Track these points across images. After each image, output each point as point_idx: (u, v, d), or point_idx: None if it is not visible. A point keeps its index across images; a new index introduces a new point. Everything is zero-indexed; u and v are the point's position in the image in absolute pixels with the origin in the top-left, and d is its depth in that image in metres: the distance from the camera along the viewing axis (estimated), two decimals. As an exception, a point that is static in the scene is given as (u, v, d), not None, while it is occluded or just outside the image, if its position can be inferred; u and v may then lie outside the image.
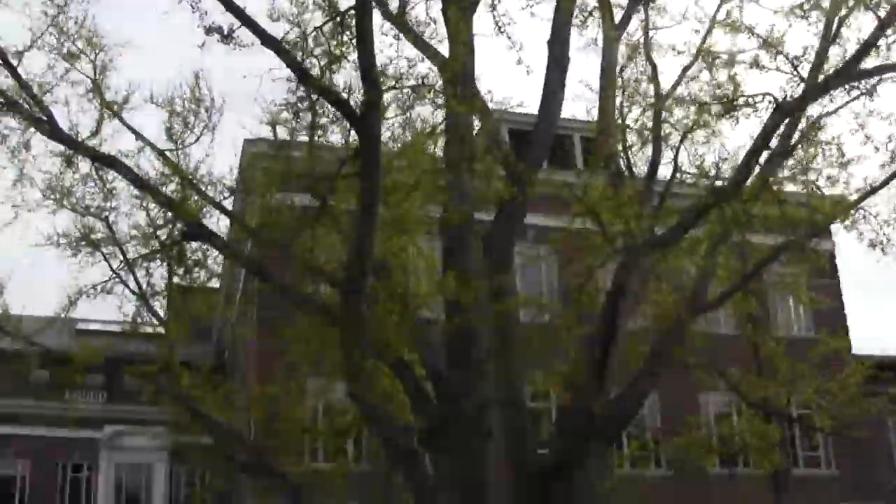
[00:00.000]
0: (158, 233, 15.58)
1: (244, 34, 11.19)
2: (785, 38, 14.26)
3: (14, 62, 13.63)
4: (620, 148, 16.02)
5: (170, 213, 14.66)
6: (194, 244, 15.21)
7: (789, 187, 15.06)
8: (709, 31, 15.90)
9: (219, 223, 15.33)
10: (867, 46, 13.13)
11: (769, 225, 14.42)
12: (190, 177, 14.60)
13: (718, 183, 14.29)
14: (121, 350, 17.67)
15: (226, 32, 10.82)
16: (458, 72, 12.84)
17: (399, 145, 13.71)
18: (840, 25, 13.90)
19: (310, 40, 11.74)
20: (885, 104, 14.28)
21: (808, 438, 31.78)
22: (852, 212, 13.83)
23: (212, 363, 18.92)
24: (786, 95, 13.40)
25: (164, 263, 16.18)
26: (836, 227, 15.12)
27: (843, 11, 13.80)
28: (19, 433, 43.73)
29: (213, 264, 16.10)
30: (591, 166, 13.58)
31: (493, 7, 14.47)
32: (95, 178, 15.03)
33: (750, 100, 14.22)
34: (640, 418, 15.62)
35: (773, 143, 13.62)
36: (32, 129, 13.94)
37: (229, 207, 15.35)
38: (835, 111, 14.19)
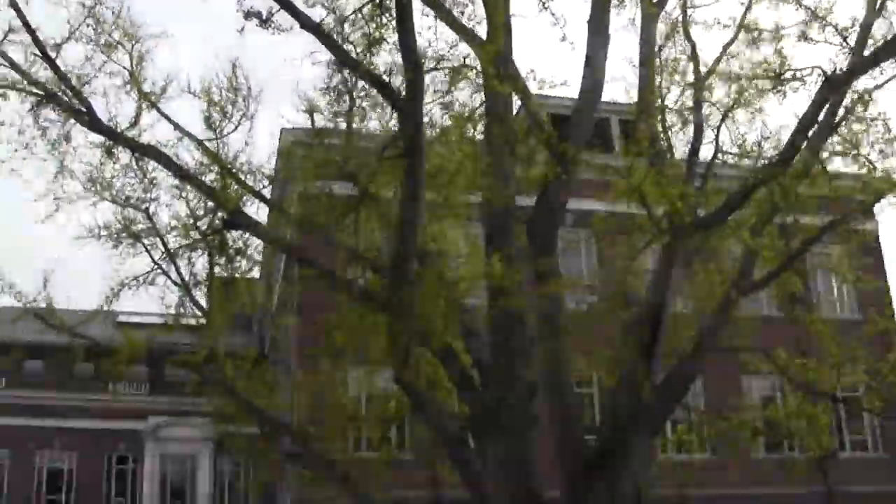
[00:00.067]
0: (199, 223, 15.57)
1: (282, 18, 11.10)
2: (833, 9, 13.98)
3: (52, 54, 13.65)
4: (660, 129, 15.81)
5: (210, 203, 14.64)
6: (235, 233, 15.18)
7: (836, 164, 14.81)
8: (749, 7, 15.63)
9: (258, 212, 15.33)
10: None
11: (816, 203, 14.16)
12: (229, 166, 14.57)
13: (762, 162, 14.06)
14: (163, 342, 17.61)
15: (264, 17, 10.73)
16: (498, 51, 12.67)
17: (438, 130, 13.60)
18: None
19: (347, 25, 11.62)
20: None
21: (854, 422, 31.41)
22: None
23: (256, 352, 18.83)
24: (835, 68, 13.12)
25: (206, 253, 16.18)
26: (879, 207, 14.83)
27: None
28: (65, 426, 44.25)
29: (254, 253, 16.09)
30: (632, 147, 13.33)
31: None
32: (135, 169, 15.05)
33: (798, 73, 13.95)
34: (684, 402, 15.38)
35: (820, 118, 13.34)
36: (72, 121, 13.97)
37: (268, 196, 15.33)
38: (884, 84, 13.91)
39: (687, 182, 14.21)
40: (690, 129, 16.21)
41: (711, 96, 16.60)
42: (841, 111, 14.04)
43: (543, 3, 13.53)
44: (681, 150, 16.38)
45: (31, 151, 14.06)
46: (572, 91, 14.72)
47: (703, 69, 16.36)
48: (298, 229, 14.94)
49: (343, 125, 14.20)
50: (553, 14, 13.57)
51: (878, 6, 13.72)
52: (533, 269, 13.14)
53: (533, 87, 13.82)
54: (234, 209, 13.86)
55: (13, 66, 13.73)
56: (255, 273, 19.57)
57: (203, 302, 17.18)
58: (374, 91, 12.76)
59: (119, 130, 14.07)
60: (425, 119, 12.25)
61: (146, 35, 14.63)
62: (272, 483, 30.63)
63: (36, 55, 13.65)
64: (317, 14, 11.51)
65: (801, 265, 18.04)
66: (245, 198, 14.61)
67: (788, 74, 14.32)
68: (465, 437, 13.32)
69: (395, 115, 13.27)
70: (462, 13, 13.29)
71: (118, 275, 15.78)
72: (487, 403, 13.07)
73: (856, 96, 13.87)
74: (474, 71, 12.82)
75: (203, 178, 14.38)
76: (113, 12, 14.11)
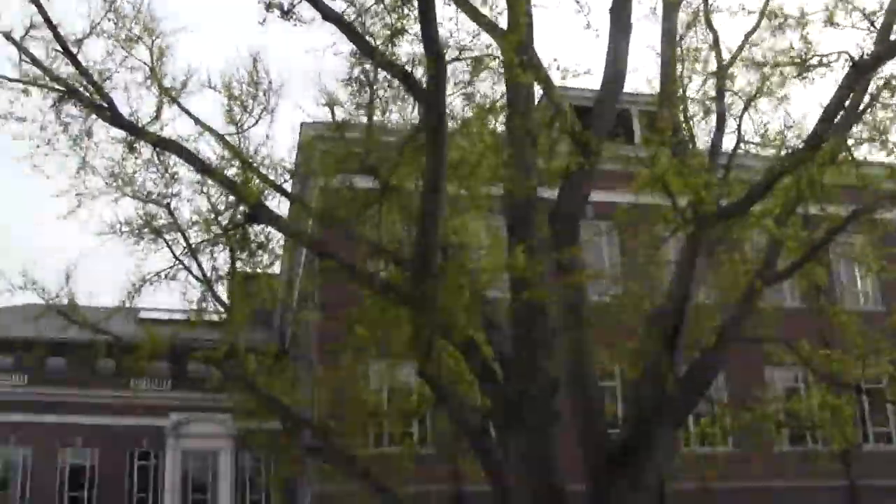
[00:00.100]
0: (220, 218, 15.56)
1: (304, 9, 11.04)
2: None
3: (74, 50, 13.66)
4: (682, 119, 15.72)
5: (231, 197, 14.64)
6: (257, 227, 15.17)
7: (862, 152, 14.66)
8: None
9: (279, 206, 15.31)
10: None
11: (840, 192, 14.02)
12: (250, 160, 14.55)
13: (786, 151, 13.94)
14: (184, 338, 17.65)
15: (286, 7, 10.67)
16: (520, 41, 12.60)
17: (460, 122, 13.54)
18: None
19: (368, 16, 11.56)
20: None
21: (878, 413, 31.19)
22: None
23: (277, 348, 18.83)
24: (862, 53, 12.97)
25: (227, 248, 16.18)
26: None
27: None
28: (87, 423, 44.45)
29: (276, 247, 16.08)
30: (654, 137, 13.23)
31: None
32: (157, 164, 15.04)
33: (824, 59, 13.82)
34: (707, 395, 15.29)
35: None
36: (94, 117, 13.97)
37: (289, 190, 15.30)
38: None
39: (710, 172, 14.12)
40: (712, 118, 16.14)
41: (733, 85, 16.54)
42: (867, 98, 13.89)
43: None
44: (702, 140, 16.31)
45: (53, 147, 14.08)
46: (594, 82, 14.66)
47: (725, 58, 16.28)
48: (319, 223, 14.90)
49: (363, 118, 14.17)
50: (577, 1, 13.51)
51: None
52: (555, 260, 13.05)
53: (555, 78, 13.77)
54: (256, 203, 13.84)
55: (35, 62, 13.75)
56: (276, 268, 19.58)
57: (224, 297, 17.21)
58: (396, 83, 12.72)
59: (140, 125, 14.06)
60: (446, 110, 12.17)
61: (166, 30, 14.63)
62: (293, 478, 30.65)
63: (57, 51, 13.66)
64: (337, 6, 11.46)
65: (824, 255, 17.90)
66: (266, 192, 14.59)
67: (814, 60, 14.18)
68: (488, 429, 13.26)
69: (416, 106, 13.26)
70: (484, 1, 13.24)
71: (140, 270, 15.82)
72: (509, 396, 13.01)
73: (882, 82, 13.72)
74: (496, 61, 12.75)
75: (224, 172, 14.35)
76: (134, 6, 14.11)
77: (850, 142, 13.90)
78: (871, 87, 13.92)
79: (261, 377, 16.24)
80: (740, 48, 16.28)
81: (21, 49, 13.71)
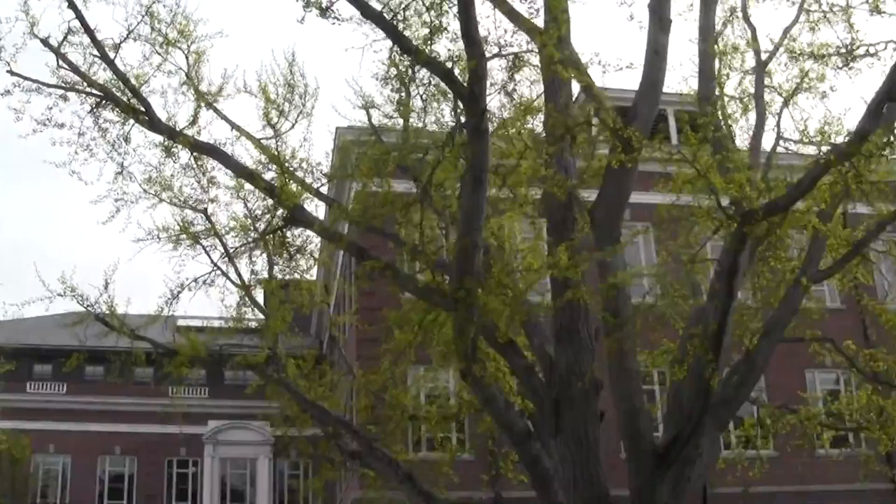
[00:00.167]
0: (257, 223, 15.55)
1: (342, 8, 10.98)
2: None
3: (111, 55, 13.68)
4: (720, 116, 15.52)
5: (269, 201, 14.60)
6: (294, 231, 15.15)
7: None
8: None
9: (316, 210, 15.28)
10: None
11: (883, 188, 13.76)
12: (287, 164, 14.52)
13: (826, 147, 13.72)
14: (222, 344, 17.67)
15: (324, 5, 10.59)
16: (560, 36, 12.48)
17: (497, 123, 13.44)
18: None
19: (408, 13, 11.48)
20: None
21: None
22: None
23: (316, 352, 18.83)
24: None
25: (265, 253, 16.17)
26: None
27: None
28: (126, 430, 44.72)
29: (314, 251, 16.05)
30: (694, 135, 13.03)
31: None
32: (195, 168, 15.03)
33: (870, 48, 13.58)
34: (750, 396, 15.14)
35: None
36: (131, 121, 13.98)
37: (326, 193, 15.26)
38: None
39: (752, 169, 13.92)
40: (750, 116, 15.95)
41: (772, 81, 16.34)
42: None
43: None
44: (741, 138, 16.13)
45: (91, 153, 14.11)
46: (631, 83, 14.53)
47: (763, 54, 16.10)
48: (356, 226, 14.84)
49: (399, 121, 14.12)
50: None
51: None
52: (597, 259, 12.91)
53: (594, 75, 13.62)
54: (295, 206, 13.79)
55: (72, 68, 13.79)
56: (314, 273, 19.56)
57: (261, 303, 17.20)
58: (433, 83, 12.65)
59: (178, 130, 14.06)
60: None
61: (202, 35, 14.62)
62: (332, 484, 30.64)
63: (95, 56, 13.70)
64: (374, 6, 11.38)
65: (867, 253, 17.63)
66: (303, 196, 14.56)
67: (860, 51, 13.94)
68: (532, 433, 13.13)
69: (454, 108, 13.18)
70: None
71: (178, 276, 15.83)
72: (552, 399, 12.88)
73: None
74: (535, 54, 12.63)
75: (262, 176, 14.33)
76: (170, 10, 14.11)
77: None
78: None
79: (301, 382, 16.22)
80: (779, 43, 16.09)
81: (59, 55, 13.78)
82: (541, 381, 13.23)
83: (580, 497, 12.60)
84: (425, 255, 13.46)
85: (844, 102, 15.60)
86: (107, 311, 16.56)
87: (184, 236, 15.94)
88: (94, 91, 13.88)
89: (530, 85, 13.86)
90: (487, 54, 11.37)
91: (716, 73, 15.59)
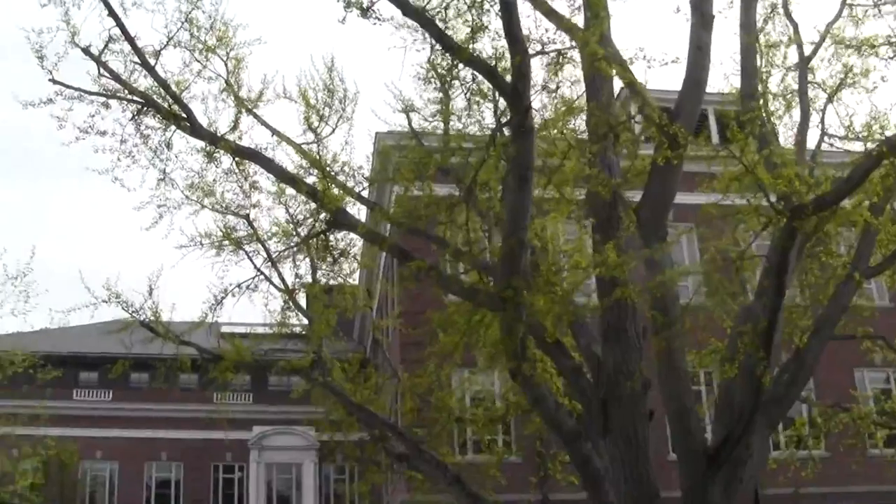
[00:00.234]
0: (299, 228, 15.55)
1: (383, 7, 10.93)
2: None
3: (152, 61, 13.70)
4: (763, 114, 15.32)
5: (312, 205, 14.59)
6: (337, 235, 15.15)
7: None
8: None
9: (358, 213, 15.26)
10: None
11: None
12: (328, 168, 14.50)
13: (872, 142, 13.52)
14: (266, 349, 17.72)
15: (365, 5, 10.52)
16: (602, 32, 12.35)
17: (539, 123, 13.32)
18: None
19: (448, 13, 11.40)
20: None
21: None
22: None
23: (361, 356, 18.82)
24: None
25: (308, 258, 16.18)
26: None
27: None
28: (172, 437, 44.98)
29: (357, 254, 16.03)
30: (740, 132, 12.84)
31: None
32: (236, 173, 15.04)
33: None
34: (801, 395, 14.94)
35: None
36: (173, 127, 13.99)
37: (366, 197, 15.22)
38: None
39: (799, 165, 13.72)
40: (793, 113, 15.75)
41: (815, 77, 16.13)
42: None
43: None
44: (784, 135, 15.92)
45: (134, 160, 14.13)
46: (673, 83, 14.36)
47: (806, 47, 15.90)
48: (399, 228, 14.79)
49: (438, 124, 14.07)
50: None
51: None
52: (644, 258, 12.76)
53: (637, 75, 13.47)
54: (337, 209, 13.76)
55: (113, 75, 13.84)
56: (356, 277, 19.54)
57: (305, 307, 17.20)
58: (476, 81, 12.57)
59: (219, 135, 14.06)
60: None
61: (241, 41, 14.62)
62: (378, 488, 30.62)
63: (135, 63, 13.74)
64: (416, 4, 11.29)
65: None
66: (345, 200, 14.52)
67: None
68: (582, 433, 13.00)
69: (495, 108, 13.09)
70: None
71: (221, 282, 15.86)
72: (600, 398, 12.75)
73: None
74: (579, 53, 12.50)
75: (304, 180, 14.31)
76: (209, 16, 14.11)
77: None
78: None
79: (347, 385, 16.21)
80: (822, 38, 15.87)
81: (100, 63, 13.83)
82: (588, 381, 13.12)
83: (630, 497, 12.48)
84: (469, 256, 13.37)
85: (891, 97, 15.32)
86: (152, 318, 16.63)
87: (226, 242, 15.98)
88: (136, 98, 13.92)
89: (570, 85, 13.74)
90: (530, 51, 11.23)
91: (758, 70, 15.40)
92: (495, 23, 11.00)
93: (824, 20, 15.91)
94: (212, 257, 15.97)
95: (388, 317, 29.73)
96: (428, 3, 11.29)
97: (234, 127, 14.42)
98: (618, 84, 14.35)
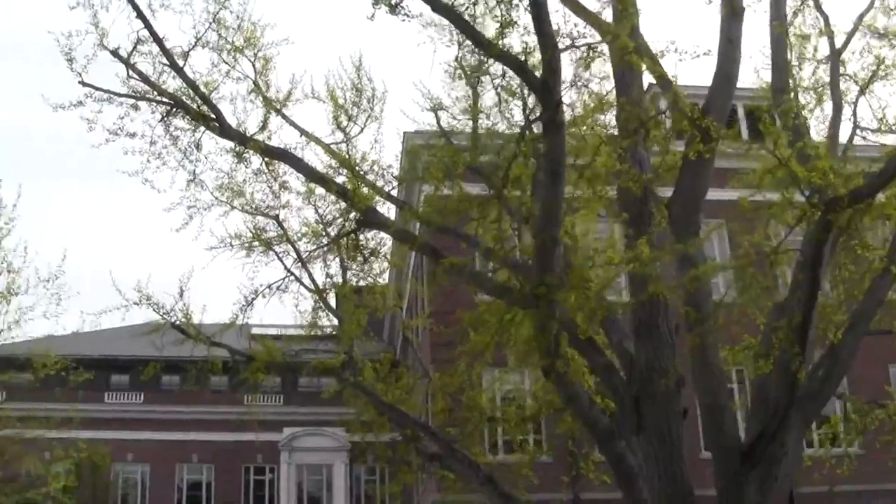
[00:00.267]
0: (329, 228, 15.54)
1: (412, 4, 10.85)
2: None
3: (180, 63, 13.71)
4: (794, 108, 15.18)
5: (341, 205, 14.58)
6: (368, 234, 15.12)
7: None
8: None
9: (388, 212, 15.22)
10: None
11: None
12: (357, 168, 14.48)
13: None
14: (297, 350, 17.72)
15: (394, 2, 10.46)
16: (633, 25, 12.26)
17: (569, 119, 13.25)
18: None
19: (477, 9, 11.33)
20: None
21: None
22: None
23: (392, 356, 18.80)
24: None
25: (338, 258, 16.17)
26: None
27: None
28: (203, 438, 45.13)
29: (387, 253, 16.01)
30: (772, 126, 12.72)
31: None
32: (266, 173, 15.04)
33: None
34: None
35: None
36: (202, 128, 14.00)
37: (395, 196, 15.21)
38: None
39: (831, 158, 13.58)
40: (824, 106, 15.61)
41: (845, 70, 15.99)
42: None
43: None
44: (815, 129, 15.79)
45: (163, 161, 14.14)
46: (703, 79, 14.25)
47: (837, 42, 15.77)
48: (428, 227, 14.76)
49: (467, 122, 14.03)
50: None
51: None
52: (677, 253, 12.65)
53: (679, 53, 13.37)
54: (368, 208, 13.74)
55: (142, 77, 13.85)
56: (386, 277, 19.53)
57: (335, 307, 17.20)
58: (506, 77, 12.51)
59: (248, 135, 14.06)
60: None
61: (268, 42, 14.62)
62: (409, 488, 30.58)
63: (164, 64, 13.75)
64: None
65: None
66: (374, 199, 14.50)
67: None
68: (616, 431, 12.90)
69: (524, 105, 13.02)
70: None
71: (251, 283, 15.86)
72: (633, 396, 12.65)
73: None
74: (610, 45, 12.41)
75: (334, 180, 14.30)
76: (237, 17, 14.11)
77: None
78: None
79: (378, 385, 16.19)
80: (853, 30, 15.73)
81: (129, 66, 13.85)
82: (621, 378, 13.04)
83: (664, 494, 12.38)
84: (500, 254, 13.30)
85: (925, 87, 15.23)
86: (183, 320, 16.65)
87: (256, 243, 15.99)
88: (165, 99, 13.95)
89: (599, 81, 13.67)
90: (560, 46, 11.16)
91: (789, 63, 15.27)
92: (524, 18, 10.94)
93: (855, 11, 15.81)
94: (242, 258, 16.01)
95: (417, 317, 29.71)
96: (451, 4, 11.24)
97: (263, 127, 14.44)
98: (645, 80, 14.27)
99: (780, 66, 14.98)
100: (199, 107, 13.86)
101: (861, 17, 15.75)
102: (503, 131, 13.84)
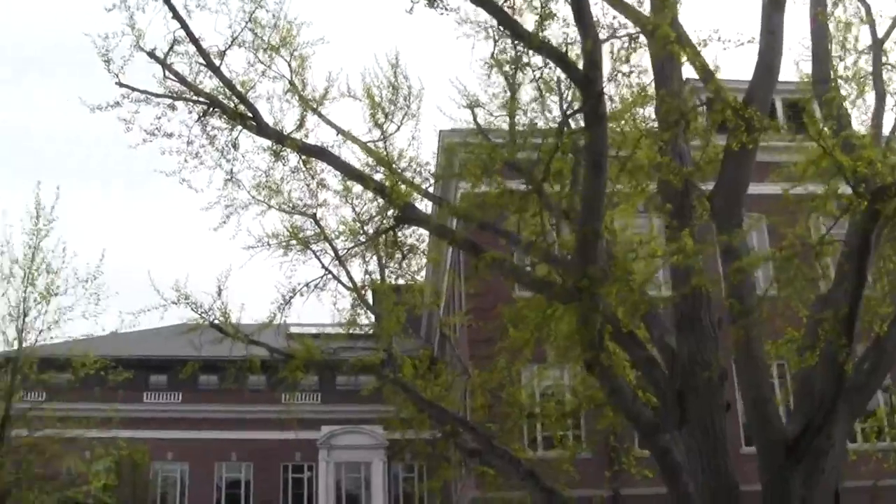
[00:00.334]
0: (366, 226, 15.53)
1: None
2: None
3: (217, 62, 13.71)
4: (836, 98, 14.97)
5: (379, 203, 14.55)
6: (406, 231, 15.08)
7: None
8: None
9: (425, 209, 15.17)
10: None
11: None
12: (395, 165, 14.46)
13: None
14: (335, 347, 17.72)
15: (433, -5, 10.42)
16: (675, 15, 12.14)
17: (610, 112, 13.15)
18: None
19: (516, 3, 11.27)
20: None
21: None
22: None
23: (430, 353, 18.80)
24: None
25: (375, 256, 16.15)
26: None
27: None
28: (241, 437, 45.30)
29: (425, 250, 15.98)
30: (815, 117, 12.55)
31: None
32: (303, 171, 15.03)
33: None
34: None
35: None
36: (239, 127, 14.00)
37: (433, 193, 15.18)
38: None
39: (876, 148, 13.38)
40: (867, 97, 15.39)
41: (888, 59, 15.75)
42: None
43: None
44: (857, 119, 15.57)
45: (201, 161, 14.14)
46: (743, 72, 14.08)
47: (879, 31, 15.54)
48: (467, 222, 14.70)
49: (503, 118, 13.96)
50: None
51: None
52: (721, 245, 12.52)
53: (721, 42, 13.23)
54: (406, 204, 13.70)
55: (179, 77, 13.87)
56: (423, 274, 19.49)
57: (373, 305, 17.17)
58: (546, 68, 12.42)
59: (286, 134, 14.05)
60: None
61: (304, 41, 14.61)
62: (447, 485, 30.55)
63: (201, 64, 13.76)
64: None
65: None
66: (412, 195, 14.47)
67: None
68: (660, 425, 12.79)
69: (560, 100, 12.93)
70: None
71: (289, 282, 15.88)
72: (676, 390, 12.53)
73: None
74: (651, 36, 12.28)
75: (372, 177, 14.28)
76: (273, 15, 14.11)
77: None
78: None
79: (418, 382, 16.17)
80: (896, 22, 15.50)
81: (165, 66, 13.87)
82: (662, 372, 12.92)
83: (708, 488, 12.29)
84: (541, 248, 13.21)
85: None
86: (221, 319, 16.68)
87: (294, 242, 16.00)
88: (201, 99, 13.96)
89: (638, 75, 13.55)
90: (600, 37, 11.07)
91: (830, 54, 15.07)
92: (563, 10, 10.85)
93: (899, -1, 15.57)
94: (279, 257, 16.04)
95: (455, 314, 29.67)
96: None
97: (300, 126, 14.44)
98: (685, 74, 14.13)
99: (821, 57, 14.78)
100: (235, 106, 13.87)
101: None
102: (541, 127, 13.76)
